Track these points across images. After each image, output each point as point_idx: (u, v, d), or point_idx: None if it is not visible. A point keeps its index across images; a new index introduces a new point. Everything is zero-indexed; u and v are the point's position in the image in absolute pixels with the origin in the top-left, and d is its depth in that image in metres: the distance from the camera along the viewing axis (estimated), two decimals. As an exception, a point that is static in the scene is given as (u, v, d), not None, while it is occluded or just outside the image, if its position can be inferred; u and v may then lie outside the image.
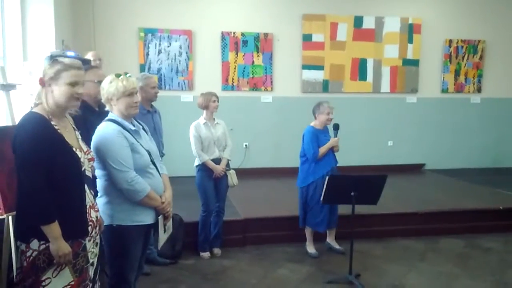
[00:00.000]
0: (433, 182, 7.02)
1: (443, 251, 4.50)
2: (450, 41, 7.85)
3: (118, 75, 2.42)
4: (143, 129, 2.63)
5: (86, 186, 2.12)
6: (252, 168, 7.23)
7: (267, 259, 4.25)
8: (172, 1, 6.88)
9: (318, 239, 4.48)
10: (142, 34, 6.84)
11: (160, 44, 6.91)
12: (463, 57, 7.93)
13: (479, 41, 7.94)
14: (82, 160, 2.09)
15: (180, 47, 6.98)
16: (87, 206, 2.11)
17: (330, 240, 4.50)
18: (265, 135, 7.35)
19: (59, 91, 1.99)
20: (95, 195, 2.27)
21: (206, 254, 4.28)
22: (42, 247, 1.96)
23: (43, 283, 1.97)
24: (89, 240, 2.13)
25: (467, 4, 7.83)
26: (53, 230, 1.93)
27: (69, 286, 2.03)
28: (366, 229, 4.78)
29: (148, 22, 6.83)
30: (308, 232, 4.39)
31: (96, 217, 2.19)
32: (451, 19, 7.85)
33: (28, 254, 1.98)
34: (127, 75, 2.45)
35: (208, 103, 4.21)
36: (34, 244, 1.97)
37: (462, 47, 7.91)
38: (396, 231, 4.90)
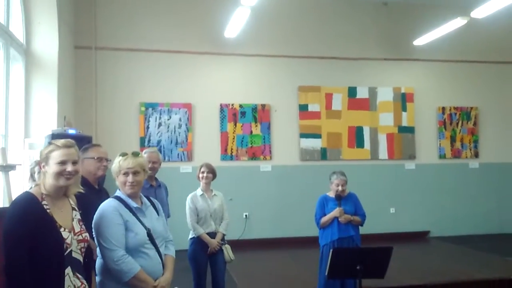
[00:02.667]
0: (440, 251, 6.82)
1: (457, 326, 4.25)
2: (443, 108, 8.07)
3: (123, 154, 2.45)
4: (155, 207, 2.58)
5: (69, 269, 2.04)
6: (253, 239, 7.06)
7: None
8: (172, 77, 7.15)
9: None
10: (143, 108, 7.01)
11: (160, 117, 7.06)
12: (457, 124, 8.10)
13: (471, 107, 8.16)
14: (69, 241, 2.05)
15: (180, 120, 7.13)
16: None
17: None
18: (265, 204, 7.27)
19: (50, 171, 2.06)
20: (87, 277, 2.18)
21: (205, 337, 4.01)
22: None
23: None
24: None
25: (457, 73, 8.16)
26: None
27: None
28: (374, 304, 4.54)
29: (149, 96, 7.04)
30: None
31: None
32: (443, 87, 8.13)
33: None
34: (138, 155, 2.48)
35: (198, 174, 4.21)
36: None
37: (456, 114, 8.11)
38: (405, 306, 4.66)
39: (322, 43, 7.69)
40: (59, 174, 2.05)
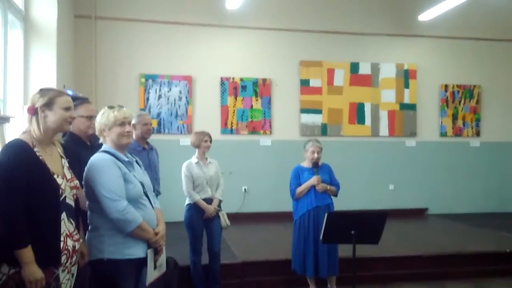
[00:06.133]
0: (437, 226, 6.86)
1: (451, 296, 4.29)
2: (446, 86, 7.99)
3: (111, 107, 2.45)
4: (137, 162, 2.60)
5: (64, 214, 2.08)
6: (252, 213, 7.10)
7: (265, 304, 4.04)
8: (173, 48, 7.08)
9: (321, 283, 4.28)
10: (143, 80, 6.98)
11: (160, 89, 7.03)
12: (459, 102, 8.03)
13: (474, 86, 8.07)
14: (63, 187, 2.08)
15: (180, 92, 7.09)
16: (63, 235, 2.06)
17: (331, 286, 4.29)
18: (265, 178, 7.28)
19: (54, 116, 2.07)
20: (77, 225, 2.20)
21: (203, 298, 4.08)
22: (12, 271, 1.94)
23: None
24: (63, 271, 2.07)
25: (461, 50, 8.05)
26: (25, 255, 1.92)
27: None
28: (369, 274, 4.58)
29: (149, 68, 7.00)
30: (307, 275, 4.20)
31: (74, 247, 2.12)
32: (446, 64, 8.03)
33: None
34: (122, 108, 2.48)
35: (200, 142, 4.19)
36: (4, 268, 1.95)
37: (458, 92, 8.03)
38: (400, 276, 4.70)
39: (325, 17, 7.58)
40: (65, 120, 2.10)
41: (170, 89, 7.06)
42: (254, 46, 7.41)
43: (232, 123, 7.25)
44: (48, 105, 2.06)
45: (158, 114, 7.00)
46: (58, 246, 2.03)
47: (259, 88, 7.35)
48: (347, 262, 4.09)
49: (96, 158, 2.37)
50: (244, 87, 7.30)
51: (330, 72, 7.58)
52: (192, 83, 7.13)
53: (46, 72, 5.35)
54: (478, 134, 8.07)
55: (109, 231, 2.30)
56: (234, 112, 7.26)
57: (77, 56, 6.62)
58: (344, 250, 4.10)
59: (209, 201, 4.13)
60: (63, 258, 2.05)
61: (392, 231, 5.44)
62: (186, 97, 7.11)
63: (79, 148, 2.79)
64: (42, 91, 2.10)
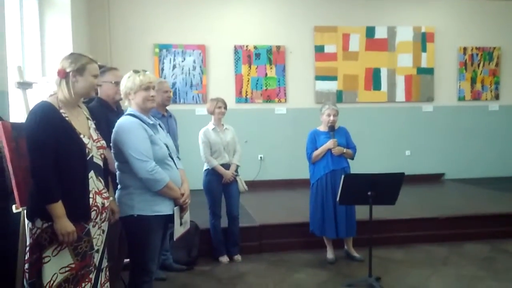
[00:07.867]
0: (454, 190, 6.86)
1: (467, 255, 4.33)
2: (465, 48, 7.79)
3: (136, 71, 2.50)
4: (160, 125, 2.68)
5: (93, 172, 2.17)
6: (268, 180, 7.19)
7: (284, 264, 4.16)
8: (185, 17, 7.04)
9: (337, 245, 4.37)
10: (157, 50, 6.98)
11: (174, 59, 7.03)
12: (478, 65, 7.84)
13: (494, 48, 7.85)
14: (89, 146, 2.17)
15: (194, 62, 7.09)
16: (92, 192, 2.15)
17: (348, 247, 4.38)
18: (280, 146, 7.32)
19: (85, 82, 2.16)
20: (106, 184, 2.29)
21: (224, 258, 4.22)
22: (45, 225, 2.06)
23: (43, 260, 2.05)
24: (94, 226, 2.18)
25: (480, 11, 7.80)
26: (56, 209, 2.02)
27: (68, 268, 2.08)
28: (385, 235, 4.64)
29: (163, 38, 6.98)
30: (324, 237, 4.29)
31: (103, 204, 2.21)
32: (465, 26, 7.81)
33: (33, 231, 2.08)
34: (146, 72, 2.54)
35: (214, 109, 4.24)
36: (38, 222, 2.07)
37: (477, 54, 7.83)
38: (417, 237, 4.75)
39: (340, -20, 7.40)
40: (93, 87, 2.20)
41: (184, 59, 7.06)
42: (267, 13, 7.31)
43: (246, 91, 7.24)
44: (80, 71, 2.13)
45: (173, 84, 7.03)
46: (87, 202, 2.12)
47: (273, 56, 7.29)
48: (364, 224, 4.17)
49: (123, 121, 2.46)
50: (258, 55, 7.25)
51: (345, 37, 7.45)
52: (205, 52, 7.11)
53: (62, 41, 5.40)
54: (497, 97, 7.91)
55: (138, 189, 2.42)
56: (248, 81, 7.24)
57: (91, 26, 6.63)
58: (360, 213, 4.16)
59: (226, 166, 4.20)
60: (93, 214, 2.15)
61: (409, 195, 5.47)
62: (200, 67, 7.11)
63: (107, 112, 2.86)
64: (74, 56, 2.17)
